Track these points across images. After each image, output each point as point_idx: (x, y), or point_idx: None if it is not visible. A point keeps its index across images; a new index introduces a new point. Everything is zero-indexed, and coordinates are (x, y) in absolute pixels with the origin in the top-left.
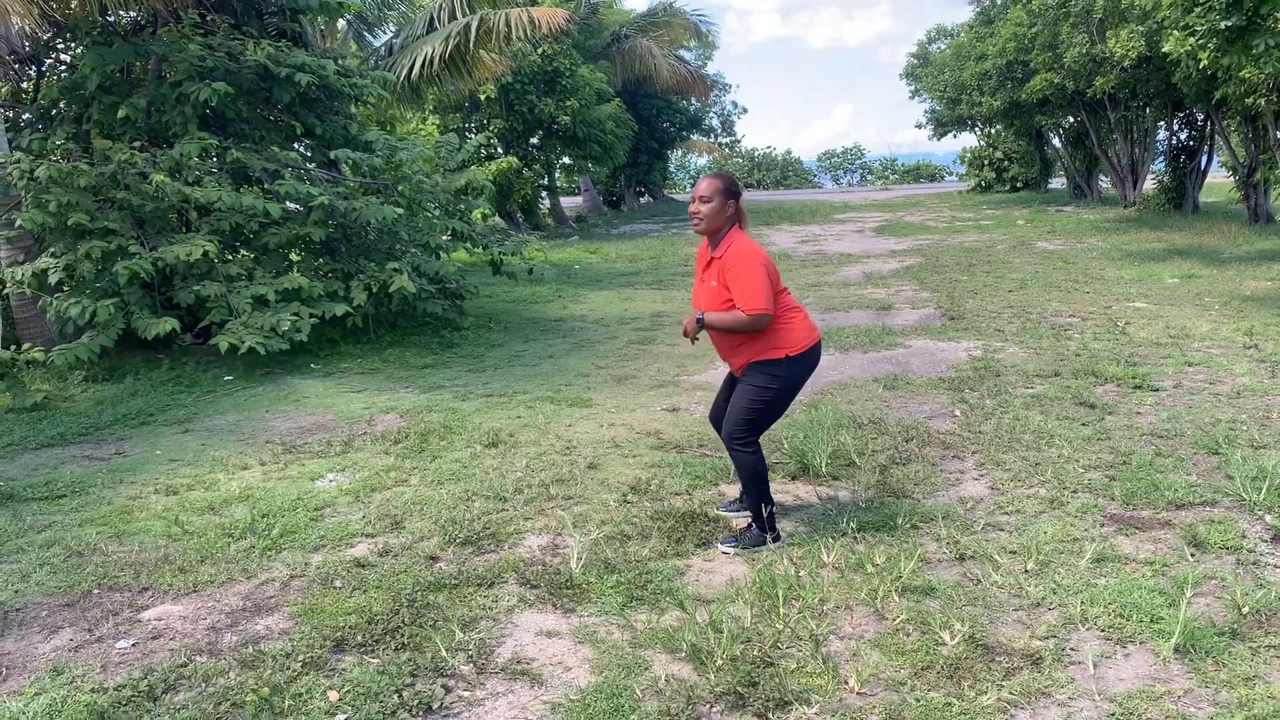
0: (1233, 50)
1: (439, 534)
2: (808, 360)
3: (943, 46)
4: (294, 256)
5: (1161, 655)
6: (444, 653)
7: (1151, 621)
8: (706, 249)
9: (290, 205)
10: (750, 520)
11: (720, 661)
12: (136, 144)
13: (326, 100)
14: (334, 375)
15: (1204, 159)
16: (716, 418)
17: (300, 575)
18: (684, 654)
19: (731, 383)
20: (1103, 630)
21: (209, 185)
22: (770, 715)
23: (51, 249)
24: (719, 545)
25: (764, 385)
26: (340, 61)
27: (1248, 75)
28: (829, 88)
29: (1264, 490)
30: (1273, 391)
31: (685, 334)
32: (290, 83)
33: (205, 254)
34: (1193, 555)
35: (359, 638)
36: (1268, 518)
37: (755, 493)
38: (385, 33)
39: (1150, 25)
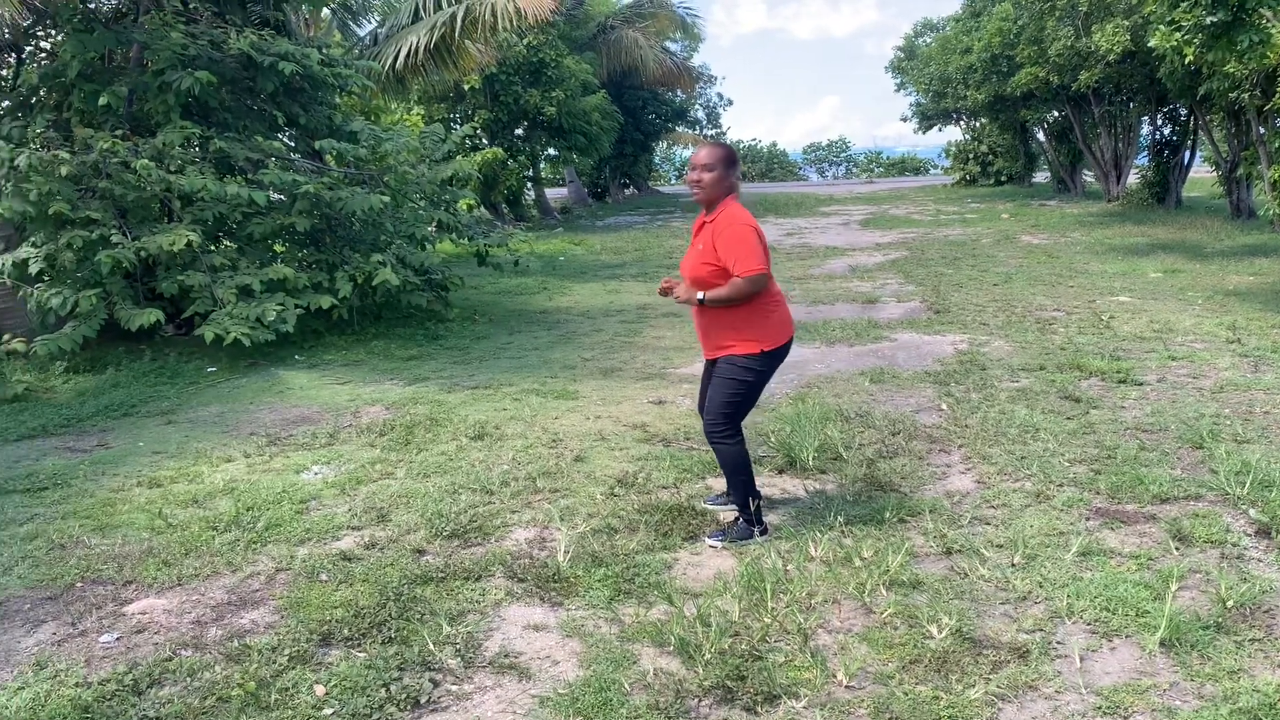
0: (1218, 45)
1: (425, 527)
2: (779, 355)
3: (929, 40)
4: (278, 247)
5: (1147, 649)
6: (431, 646)
7: (1137, 615)
8: (702, 217)
9: (274, 195)
10: (737, 514)
11: (708, 655)
12: (118, 132)
13: (310, 90)
14: (318, 367)
15: (1187, 154)
16: (703, 408)
17: (286, 568)
18: (672, 648)
19: (707, 376)
20: (1089, 624)
21: (192, 174)
22: (759, 709)
23: (32, 239)
24: (706, 539)
25: (739, 379)
26: (324, 51)
27: (1232, 70)
28: (815, 80)
29: (1248, 484)
30: (1255, 386)
31: (666, 292)
32: (274, 72)
33: (189, 244)
34: (1177, 549)
35: (345, 631)
36: (1251, 512)
37: (740, 484)
38: (370, 22)
39: (1136, 20)
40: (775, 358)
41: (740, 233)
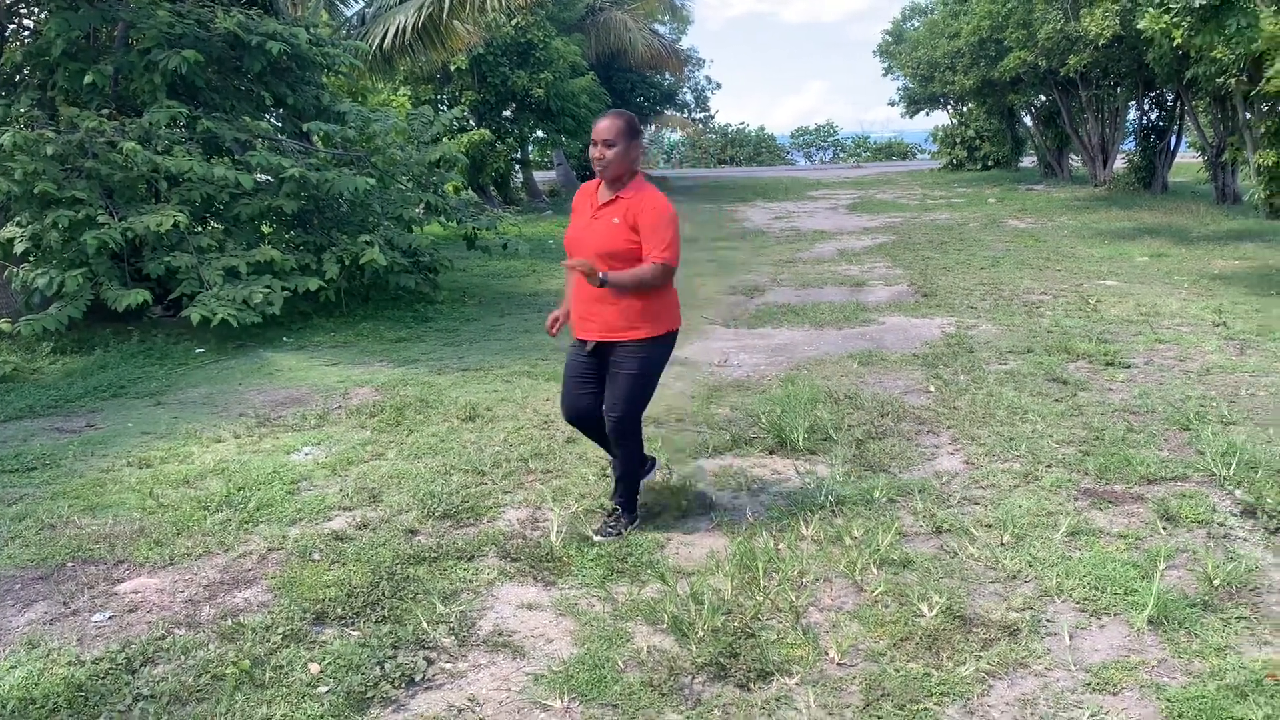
0: (1206, 29)
1: (417, 507)
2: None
3: (917, 24)
4: (265, 229)
5: (1135, 626)
6: (425, 625)
7: (1125, 594)
8: (596, 190)
9: (261, 176)
10: (620, 511)
11: (702, 633)
12: (104, 112)
13: (298, 70)
14: (307, 348)
15: (1173, 139)
16: (578, 409)
17: (278, 548)
18: (665, 626)
19: (584, 367)
20: (1078, 602)
21: (179, 155)
22: (751, 685)
23: (17, 218)
24: (594, 536)
25: (655, 366)
26: (312, 30)
27: (1219, 55)
28: (802, 64)
29: (1233, 465)
30: (1241, 369)
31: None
32: (261, 51)
33: (176, 224)
34: (1165, 529)
35: (339, 610)
36: (1237, 492)
37: (635, 479)
38: (357, 2)
39: (1125, 3)
40: (674, 339)
41: (667, 218)
